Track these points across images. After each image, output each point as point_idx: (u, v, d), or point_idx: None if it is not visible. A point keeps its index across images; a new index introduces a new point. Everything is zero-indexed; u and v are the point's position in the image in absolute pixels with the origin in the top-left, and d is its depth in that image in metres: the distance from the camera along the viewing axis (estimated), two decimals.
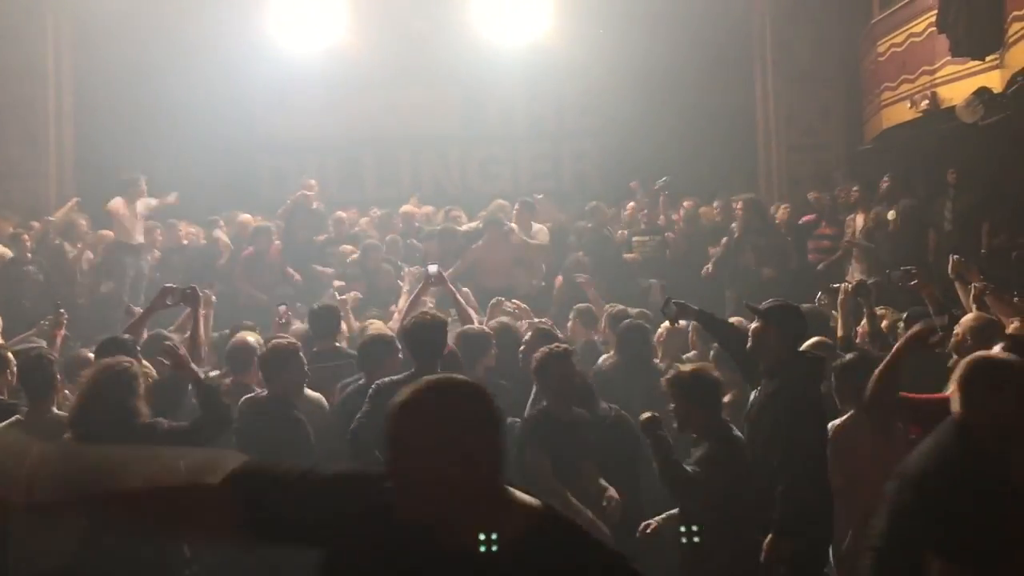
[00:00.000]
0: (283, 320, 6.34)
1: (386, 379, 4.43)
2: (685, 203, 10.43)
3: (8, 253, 9.18)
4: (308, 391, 4.99)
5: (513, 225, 9.21)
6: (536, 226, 9.52)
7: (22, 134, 11.66)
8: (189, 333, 5.54)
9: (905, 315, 5.88)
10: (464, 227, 9.76)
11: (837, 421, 4.47)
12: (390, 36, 12.27)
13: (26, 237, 9.24)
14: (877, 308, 5.90)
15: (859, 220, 9.61)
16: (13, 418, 4.41)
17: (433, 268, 5.94)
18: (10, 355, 4.92)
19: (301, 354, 4.87)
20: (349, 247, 9.52)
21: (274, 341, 5.04)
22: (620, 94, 12.42)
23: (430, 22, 12.23)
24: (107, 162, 11.52)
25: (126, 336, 5.24)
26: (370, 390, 4.42)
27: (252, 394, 4.87)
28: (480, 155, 13.34)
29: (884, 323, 5.93)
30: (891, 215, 9.25)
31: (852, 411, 4.44)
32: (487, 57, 12.01)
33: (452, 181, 13.19)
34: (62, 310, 6.35)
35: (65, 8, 11.90)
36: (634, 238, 9.99)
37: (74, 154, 12.11)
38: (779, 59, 12.16)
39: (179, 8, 11.42)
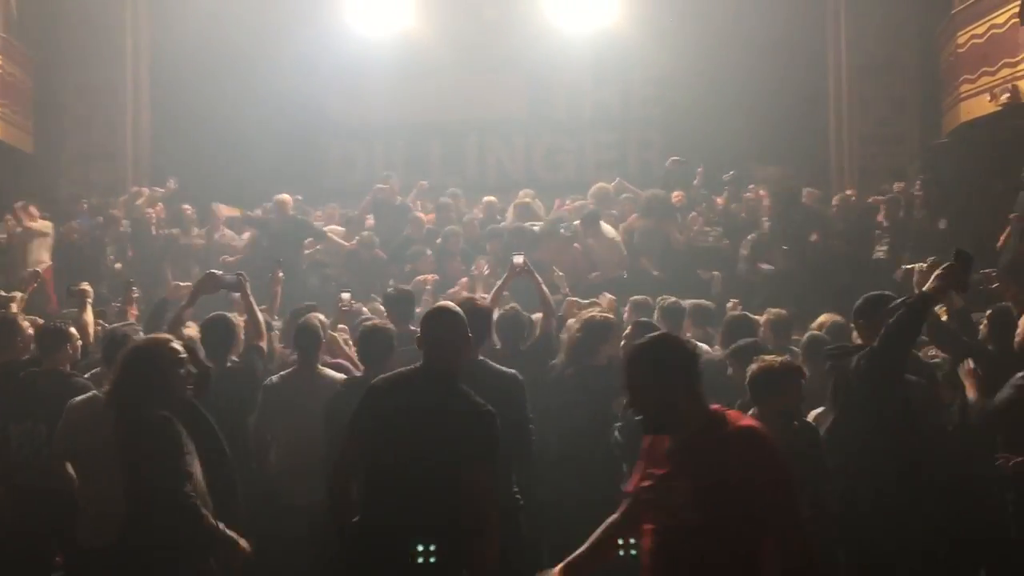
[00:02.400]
0: (347, 308, 6.35)
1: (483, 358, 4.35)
2: (748, 194, 10.23)
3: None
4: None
5: (576, 225, 9.02)
6: (607, 230, 9.08)
7: (102, 117, 12.02)
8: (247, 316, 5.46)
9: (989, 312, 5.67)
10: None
11: None
12: (459, 22, 12.34)
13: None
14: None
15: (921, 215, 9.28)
16: (90, 393, 4.55)
17: (519, 259, 5.90)
18: (72, 330, 5.10)
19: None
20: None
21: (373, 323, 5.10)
22: (687, 83, 12.30)
23: (499, 9, 12.24)
24: (181, 145, 11.83)
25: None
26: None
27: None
28: (546, 142, 13.33)
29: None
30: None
31: None
32: (554, 44, 12.02)
33: (517, 168, 13.20)
34: (134, 288, 6.48)
35: None
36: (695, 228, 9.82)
37: (150, 137, 12.43)
38: (853, 48, 11.94)
39: None
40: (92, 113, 12.00)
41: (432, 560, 3.30)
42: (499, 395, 3.75)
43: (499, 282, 6.10)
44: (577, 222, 9.07)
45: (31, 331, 5.28)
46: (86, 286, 6.09)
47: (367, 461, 3.46)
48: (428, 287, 7.66)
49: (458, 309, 3.64)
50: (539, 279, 5.88)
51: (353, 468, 3.51)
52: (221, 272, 5.56)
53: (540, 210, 10.02)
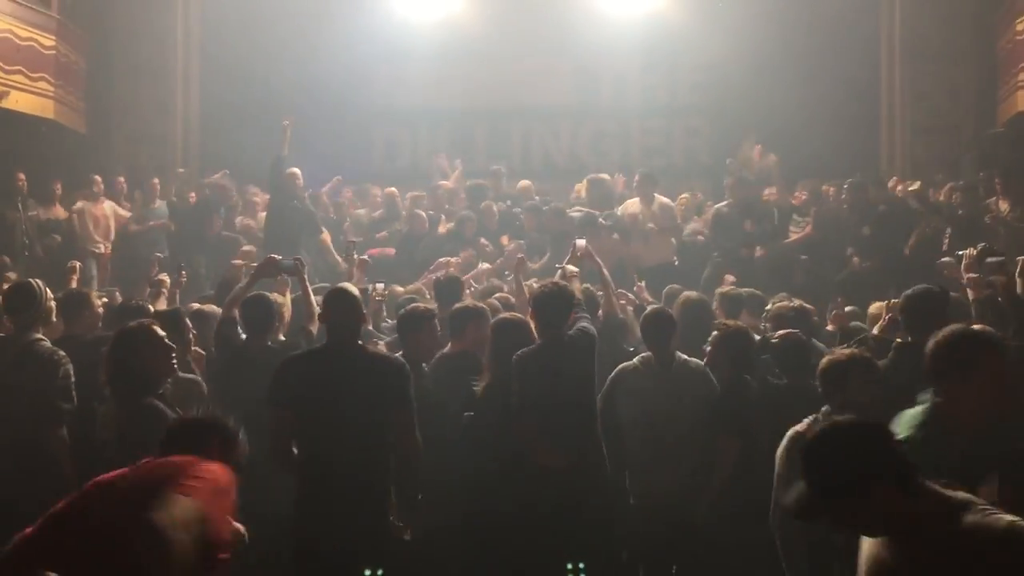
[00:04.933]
0: (379, 297, 6.39)
1: (527, 349, 4.55)
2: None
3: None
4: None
5: (629, 204, 9.03)
6: (660, 200, 9.17)
7: (152, 99, 12.18)
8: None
9: None
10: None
11: None
12: (505, 6, 12.29)
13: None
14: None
15: (1003, 206, 8.99)
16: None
17: (581, 242, 5.93)
18: (188, 321, 5.17)
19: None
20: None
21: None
22: (735, 70, 12.14)
23: None
24: (230, 126, 11.95)
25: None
26: (513, 362, 4.50)
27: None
28: (591, 129, 13.27)
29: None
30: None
31: None
32: (602, 29, 11.94)
33: (562, 154, 13.16)
34: (184, 271, 6.60)
35: None
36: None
37: (199, 119, 12.57)
38: (906, 35, 11.70)
39: None
40: (143, 96, 12.16)
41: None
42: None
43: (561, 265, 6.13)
44: (637, 178, 9.20)
45: (102, 308, 5.39)
46: (164, 277, 6.18)
47: (299, 429, 4.05)
48: (451, 269, 7.65)
49: (353, 290, 4.35)
50: (600, 262, 5.94)
51: (290, 436, 4.06)
52: (280, 256, 5.70)
53: (616, 186, 10.00)
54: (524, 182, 10.58)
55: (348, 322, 4.17)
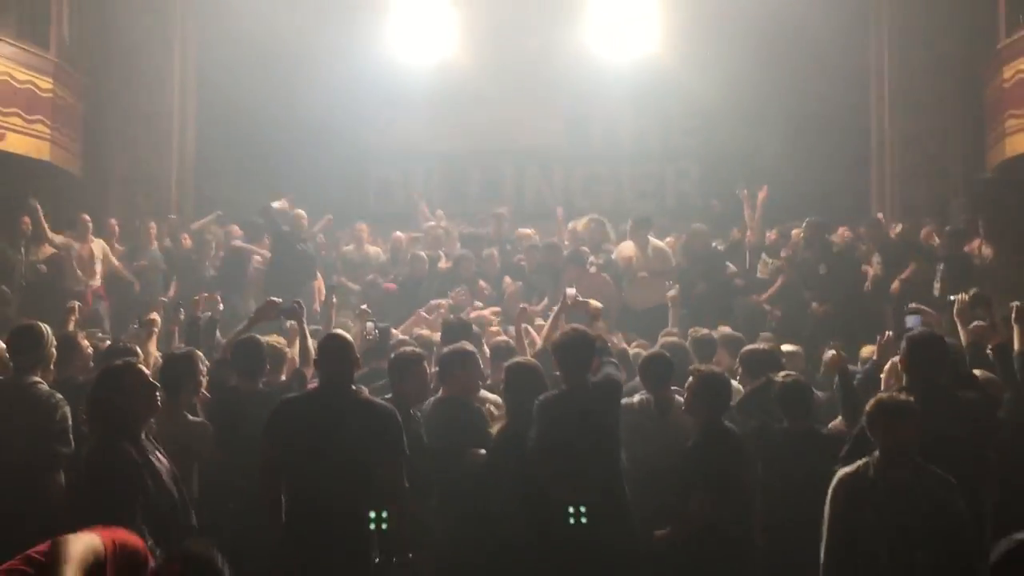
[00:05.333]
0: (371, 336, 6.42)
1: (546, 395, 4.62)
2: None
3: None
4: None
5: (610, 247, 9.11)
6: (654, 243, 9.14)
7: (149, 142, 12.23)
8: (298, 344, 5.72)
9: None
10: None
11: None
12: (500, 51, 12.42)
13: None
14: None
15: (985, 251, 9.11)
16: None
17: (571, 291, 5.99)
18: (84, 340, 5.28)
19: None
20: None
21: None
22: (727, 115, 12.30)
23: (541, 38, 12.33)
24: (225, 168, 12.02)
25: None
26: (536, 406, 4.57)
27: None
28: (583, 172, 13.38)
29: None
30: None
31: None
32: (595, 74, 12.05)
33: (555, 197, 13.24)
34: (182, 310, 6.59)
35: (191, 20, 12.45)
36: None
37: (194, 160, 12.63)
38: (895, 80, 11.87)
39: (299, 20, 11.80)
40: (139, 138, 12.20)
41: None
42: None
43: (552, 314, 6.23)
44: (630, 223, 9.16)
45: (90, 350, 5.38)
46: (155, 316, 6.17)
47: (288, 470, 4.11)
48: (442, 311, 7.68)
49: (347, 336, 4.40)
50: (592, 304, 5.93)
51: (278, 476, 4.12)
52: (279, 300, 5.80)
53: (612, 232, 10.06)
54: (525, 230, 10.56)
55: (341, 367, 4.23)
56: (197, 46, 12.58)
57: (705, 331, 6.52)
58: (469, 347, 5.21)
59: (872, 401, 4.07)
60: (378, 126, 13.21)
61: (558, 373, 4.75)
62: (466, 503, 4.58)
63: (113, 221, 10.82)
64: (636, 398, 5.09)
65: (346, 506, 4.02)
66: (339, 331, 4.60)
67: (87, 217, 10.22)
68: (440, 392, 5.08)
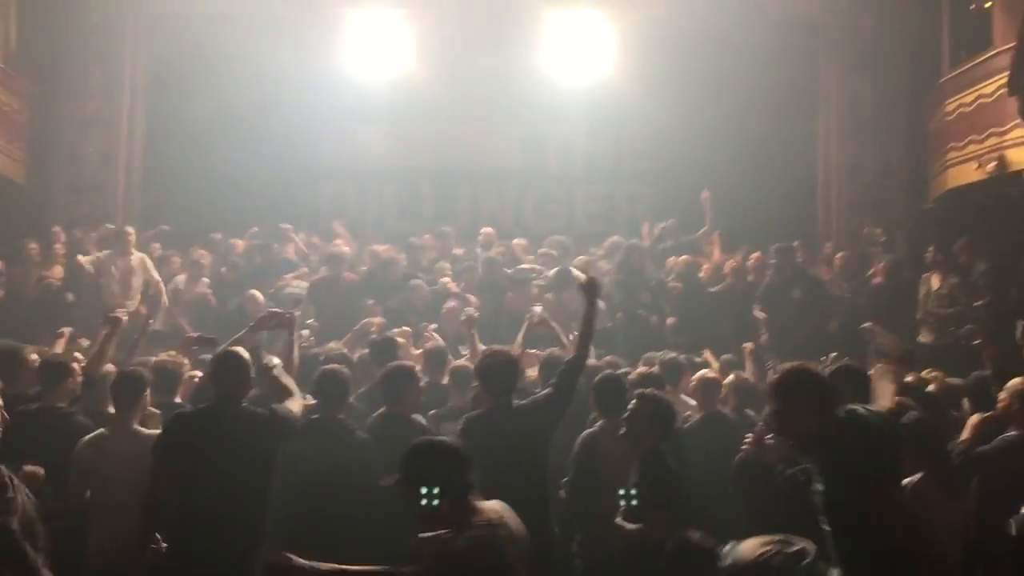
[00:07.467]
0: (305, 343, 6.41)
1: (475, 412, 4.80)
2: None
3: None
4: None
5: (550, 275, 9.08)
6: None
7: (95, 151, 12.02)
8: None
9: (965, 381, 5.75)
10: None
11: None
12: (455, 70, 12.44)
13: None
14: (926, 371, 5.81)
15: (934, 281, 9.13)
16: (99, 431, 4.78)
17: (537, 309, 6.08)
18: (74, 365, 5.21)
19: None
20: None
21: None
22: (679, 140, 12.44)
23: (495, 58, 12.37)
24: (173, 180, 11.87)
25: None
26: (460, 424, 4.76)
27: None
28: (537, 193, 13.43)
29: (932, 387, 5.78)
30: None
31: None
32: (549, 95, 12.14)
33: (507, 217, 13.28)
34: (152, 320, 6.78)
35: (143, 32, 12.27)
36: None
37: (142, 171, 12.44)
38: (843, 111, 12.10)
39: (251, 36, 11.69)
40: (86, 146, 12.00)
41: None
42: None
43: (520, 334, 6.41)
44: (552, 272, 8.88)
45: (36, 364, 5.26)
46: (121, 315, 5.98)
47: (181, 483, 4.27)
48: (373, 330, 7.56)
49: (243, 354, 4.51)
50: (557, 328, 6.07)
51: (165, 486, 4.28)
52: (279, 310, 5.98)
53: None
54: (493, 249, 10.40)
55: (234, 383, 4.42)
56: (148, 57, 12.41)
57: (672, 354, 6.54)
58: (409, 364, 5.27)
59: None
60: (332, 143, 13.16)
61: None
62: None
63: (57, 228, 10.63)
64: (596, 427, 5.16)
65: (230, 517, 4.19)
66: (235, 348, 4.69)
67: (130, 230, 9.97)
68: (384, 409, 5.11)
